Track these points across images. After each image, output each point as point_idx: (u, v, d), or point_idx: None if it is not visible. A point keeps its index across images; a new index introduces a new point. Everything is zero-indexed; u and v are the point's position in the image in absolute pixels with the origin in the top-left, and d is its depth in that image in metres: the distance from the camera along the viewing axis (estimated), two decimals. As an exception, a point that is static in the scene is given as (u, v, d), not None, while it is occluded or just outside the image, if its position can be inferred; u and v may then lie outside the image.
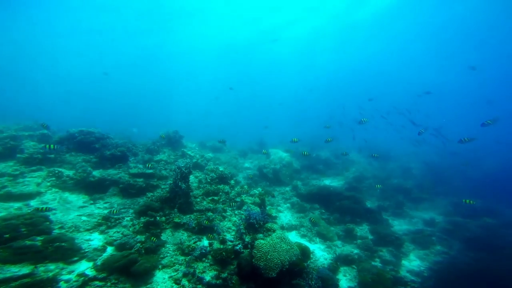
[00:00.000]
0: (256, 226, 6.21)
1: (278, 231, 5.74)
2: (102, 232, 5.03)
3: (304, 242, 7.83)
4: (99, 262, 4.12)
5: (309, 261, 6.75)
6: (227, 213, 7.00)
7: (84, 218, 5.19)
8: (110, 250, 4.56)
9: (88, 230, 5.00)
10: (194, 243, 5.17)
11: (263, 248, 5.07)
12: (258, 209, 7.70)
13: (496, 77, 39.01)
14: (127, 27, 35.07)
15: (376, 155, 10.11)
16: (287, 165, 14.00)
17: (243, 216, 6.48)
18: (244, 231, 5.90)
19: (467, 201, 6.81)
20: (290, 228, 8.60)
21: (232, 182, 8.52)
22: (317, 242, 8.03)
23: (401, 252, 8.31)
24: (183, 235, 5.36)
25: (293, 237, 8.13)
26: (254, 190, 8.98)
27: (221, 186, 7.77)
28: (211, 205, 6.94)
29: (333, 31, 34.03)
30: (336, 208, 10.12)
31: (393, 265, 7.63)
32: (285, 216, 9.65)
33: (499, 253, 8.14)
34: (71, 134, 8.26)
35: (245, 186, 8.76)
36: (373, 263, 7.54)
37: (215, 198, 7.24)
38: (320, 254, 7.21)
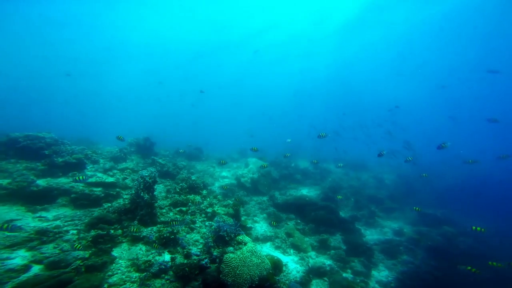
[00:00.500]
0: (226, 238, 5.94)
1: (250, 244, 5.54)
2: (31, 249, 4.37)
3: (278, 254, 7.68)
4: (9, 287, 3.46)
5: (281, 274, 6.59)
6: (197, 225, 6.64)
7: (9, 233, 4.48)
8: (36, 269, 3.95)
9: (10, 246, 4.32)
10: (153, 258, 4.76)
11: (232, 263, 4.85)
12: (232, 220, 7.44)
13: (461, 94, 43.42)
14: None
15: (341, 164, 10.55)
16: (265, 174, 13.95)
17: (212, 228, 6.18)
18: (212, 244, 5.60)
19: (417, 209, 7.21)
20: (265, 239, 8.40)
21: (205, 192, 8.21)
22: (291, 253, 7.91)
23: (371, 262, 8.49)
24: (140, 250, 4.92)
25: (268, 248, 7.93)
26: (229, 201, 8.73)
27: (191, 196, 7.43)
28: (178, 217, 6.55)
29: (304, 41, 35.80)
30: (312, 219, 10.17)
31: (363, 276, 7.74)
32: (261, 226, 9.45)
33: (455, 260, 8.72)
34: (12, 139, 7.40)
35: (219, 196, 8.48)
36: (345, 274, 7.58)
37: (183, 209, 6.86)
38: (293, 266, 7.08)
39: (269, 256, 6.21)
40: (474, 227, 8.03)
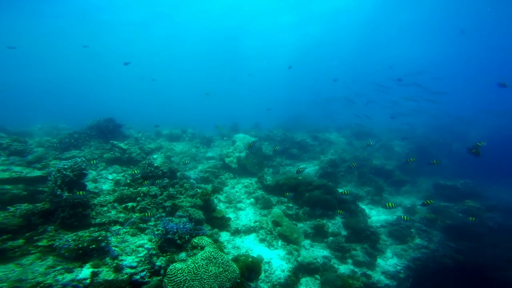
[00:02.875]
0: (178, 242, 4.65)
1: (208, 248, 4.23)
2: None
3: (262, 248, 6.49)
4: None
5: (261, 277, 5.43)
6: (151, 223, 5.36)
7: None
8: None
9: None
10: (54, 277, 3.50)
11: (179, 276, 3.65)
12: (200, 213, 6.15)
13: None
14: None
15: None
16: (255, 151, 12.41)
17: (158, 229, 4.86)
18: (154, 251, 4.32)
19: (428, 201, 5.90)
20: (248, 231, 7.18)
21: (166, 181, 6.77)
22: (278, 246, 6.71)
23: (376, 249, 7.30)
24: (40, 266, 3.66)
25: (251, 242, 6.74)
26: (203, 188, 7.38)
27: (144, 188, 6.02)
28: (122, 215, 5.22)
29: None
30: (306, 201, 8.85)
31: (366, 267, 6.59)
32: (246, 214, 8.22)
33: (479, 241, 7.42)
34: None
35: (186, 185, 7.07)
36: (343, 266, 6.44)
37: (131, 205, 5.51)
38: (278, 264, 5.91)
39: (242, 257, 4.96)
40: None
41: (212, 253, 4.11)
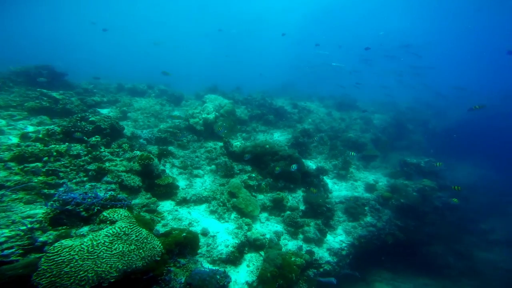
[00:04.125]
0: (83, 214, 4.04)
1: (122, 222, 3.69)
2: None
3: (210, 221, 6.27)
4: None
5: (201, 251, 5.28)
6: (62, 189, 4.66)
7: None
8: None
9: None
10: None
11: (63, 255, 3.07)
12: (139, 179, 5.52)
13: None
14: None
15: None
16: (226, 114, 11.43)
17: (53, 199, 4.16)
18: (39, 225, 3.71)
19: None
20: (199, 200, 6.84)
21: (94, 139, 5.80)
22: (229, 219, 6.53)
23: (328, 225, 7.46)
24: None
25: (200, 213, 6.48)
26: (137, 152, 6.54)
27: (61, 146, 5.07)
28: (18, 178, 4.40)
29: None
30: (270, 171, 8.54)
31: (315, 243, 6.77)
32: (203, 182, 7.82)
33: (422, 220, 7.89)
34: None
35: (125, 145, 6.20)
36: (292, 242, 6.55)
37: (34, 165, 4.63)
38: (224, 238, 5.76)
39: (175, 232, 4.58)
40: (454, 187, 7.11)
41: (124, 229, 3.57)
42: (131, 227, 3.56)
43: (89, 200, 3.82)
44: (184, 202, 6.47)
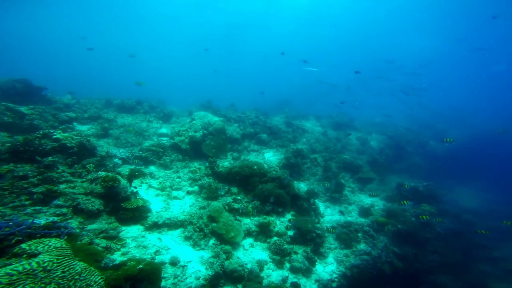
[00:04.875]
0: None
1: (47, 255, 3.04)
2: None
3: (183, 248, 5.79)
4: None
5: (165, 284, 4.77)
6: None
7: None
8: None
9: None
10: None
11: None
12: (100, 202, 5.20)
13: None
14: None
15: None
16: (215, 133, 11.38)
17: None
18: None
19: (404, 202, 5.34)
20: (174, 225, 6.38)
21: (50, 159, 5.61)
22: (206, 246, 6.03)
23: (319, 253, 6.93)
24: None
25: (173, 239, 5.99)
26: (101, 173, 6.30)
27: (4, 167, 4.84)
28: None
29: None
30: (258, 194, 8.19)
31: (302, 273, 6.21)
32: (182, 205, 7.41)
33: (423, 247, 7.31)
34: None
35: (89, 166, 6.00)
36: (277, 273, 5.99)
37: None
38: (196, 269, 5.27)
39: (131, 263, 4.12)
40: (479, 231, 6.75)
41: (45, 264, 2.94)
42: (60, 260, 3.04)
43: (7, 229, 3.28)
44: (155, 226, 6.05)
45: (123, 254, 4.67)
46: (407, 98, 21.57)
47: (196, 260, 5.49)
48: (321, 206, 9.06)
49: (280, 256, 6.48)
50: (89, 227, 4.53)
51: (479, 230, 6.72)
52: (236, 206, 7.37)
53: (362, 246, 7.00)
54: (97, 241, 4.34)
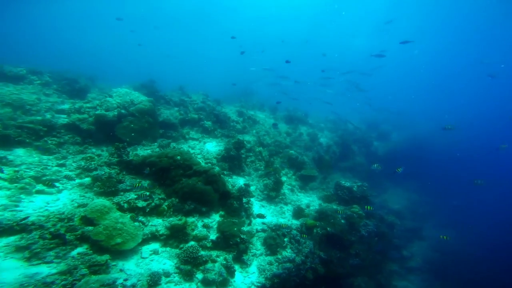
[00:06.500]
0: None
1: None
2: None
3: (8, 264, 4.17)
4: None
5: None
6: None
7: None
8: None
9: None
10: None
11: None
12: None
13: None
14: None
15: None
16: (138, 114, 9.50)
17: None
18: None
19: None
20: (8, 231, 4.66)
21: None
22: (59, 259, 4.36)
23: (241, 261, 6.21)
24: None
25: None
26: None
27: None
28: None
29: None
30: (178, 190, 6.99)
31: (216, 286, 5.37)
32: (51, 201, 5.57)
33: (347, 251, 7.40)
34: None
35: None
36: (182, 286, 5.00)
37: None
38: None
39: None
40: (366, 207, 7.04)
41: None
42: None
43: None
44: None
45: None
46: (358, 95, 22.85)
47: (21, 282, 3.89)
48: (256, 205, 8.43)
49: (191, 265, 5.52)
50: None
51: (366, 206, 7.08)
52: (140, 204, 6.05)
53: (286, 252, 6.55)
54: None
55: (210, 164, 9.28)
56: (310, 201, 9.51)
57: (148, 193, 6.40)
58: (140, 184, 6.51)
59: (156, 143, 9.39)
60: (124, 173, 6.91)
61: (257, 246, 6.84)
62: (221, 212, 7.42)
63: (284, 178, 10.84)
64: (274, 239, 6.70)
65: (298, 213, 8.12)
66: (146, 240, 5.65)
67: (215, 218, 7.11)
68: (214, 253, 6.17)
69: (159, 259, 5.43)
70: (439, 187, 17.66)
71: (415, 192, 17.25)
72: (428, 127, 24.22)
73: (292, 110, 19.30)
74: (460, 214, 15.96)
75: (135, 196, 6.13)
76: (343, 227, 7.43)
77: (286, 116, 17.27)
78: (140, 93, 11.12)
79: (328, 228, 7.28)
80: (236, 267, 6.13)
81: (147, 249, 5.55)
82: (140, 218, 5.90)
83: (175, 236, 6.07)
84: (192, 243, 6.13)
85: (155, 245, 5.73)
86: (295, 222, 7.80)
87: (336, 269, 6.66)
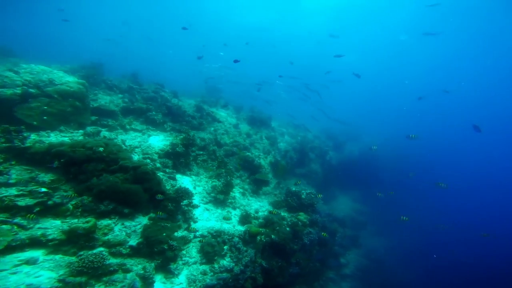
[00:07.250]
0: None
1: None
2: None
3: None
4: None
5: None
6: None
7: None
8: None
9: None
10: None
11: None
12: None
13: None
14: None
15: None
16: (57, 96, 7.75)
17: None
18: None
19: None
20: None
21: None
22: None
23: (166, 270, 5.27)
24: None
25: None
26: None
27: None
28: None
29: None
30: (93, 187, 5.71)
31: (124, 305, 4.32)
32: None
33: (288, 260, 7.09)
34: None
35: None
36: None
37: None
38: None
39: None
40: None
41: None
42: None
43: None
44: None
45: None
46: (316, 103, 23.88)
47: None
48: (200, 209, 7.54)
49: (87, 277, 4.39)
50: None
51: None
52: (23, 203, 4.68)
53: (224, 261, 5.83)
54: None
55: (149, 160, 8.10)
56: (261, 206, 9.02)
57: (43, 189, 5.02)
58: (37, 178, 5.08)
59: (81, 131, 7.81)
60: (12, 162, 5.36)
61: (192, 253, 5.96)
62: (152, 215, 6.35)
63: (237, 181, 10.21)
64: (213, 247, 5.92)
65: (245, 218, 7.51)
66: (19, 247, 4.33)
67: (141, 221, 6.01)
68: (130, 261, 5.14)
69: (31, 271, 4.14)
70: (381, 198, 19.18)
71: (356, 202, 18.45)
72: (376, 140, 26.40)
73: (257, 111, 19.00)
74: (394, 223, 17.47)
75: (17, 193, 4.72)
76: (287, 235, 7.06)
77: (249, 117, 16.81)
78: (74, 75, 9.38)
79: (273, 236, 6.81)
80: (158, 277, 5.18)
81: (15, 258, 4.20)
82: (18, 220, 4.52)
83: (74, 241, 4.83)
84: (100, 249, 4.98)
85: (34, 253, 4.41)
86: (240, 229, 7.15)
87: (276, 278, 6.21)
